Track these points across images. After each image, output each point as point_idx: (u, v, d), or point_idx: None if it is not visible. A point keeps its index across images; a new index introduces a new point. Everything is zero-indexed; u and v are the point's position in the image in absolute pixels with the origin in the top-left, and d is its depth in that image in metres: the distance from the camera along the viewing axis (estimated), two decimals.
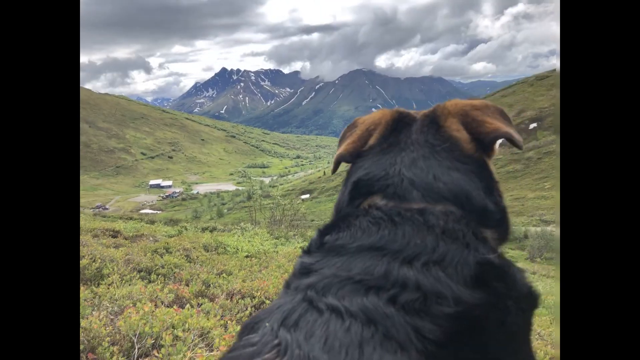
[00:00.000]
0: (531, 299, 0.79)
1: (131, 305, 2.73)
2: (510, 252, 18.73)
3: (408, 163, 0.92)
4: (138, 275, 4.00)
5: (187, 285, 3.76)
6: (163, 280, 3.96)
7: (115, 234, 7.27)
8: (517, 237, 20.79)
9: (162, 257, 4.71)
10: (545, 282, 10.00)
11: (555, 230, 21.32)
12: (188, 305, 2.96)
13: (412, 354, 0.61)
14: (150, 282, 3.88)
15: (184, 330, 2.40)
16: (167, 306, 3.00)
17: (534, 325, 3.94)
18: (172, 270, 4.30)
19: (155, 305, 2.87)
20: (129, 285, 3.49)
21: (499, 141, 0.99)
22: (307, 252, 0.87)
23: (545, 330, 4.34)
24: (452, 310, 0.66)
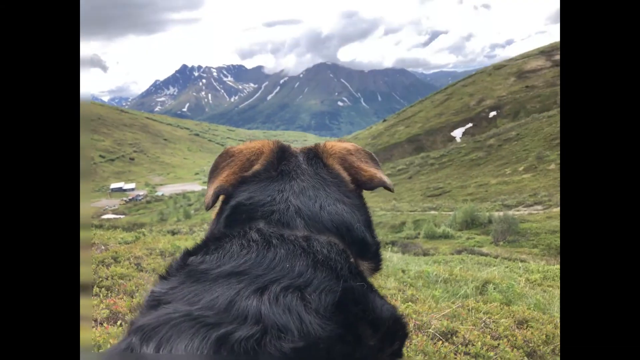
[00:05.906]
0: (394, 325, 0.72)
1: None
2: (476, 237, 19.37)
3: (297, 191, 0.93)
4: None
5: (132, 297, 3.45)
6: (106, 293, 3.60)
7: None
8: (482, 222, 21.47)
9: (107, 268, 4.30)
10: (507, 264, 10.24)
11: (516, 213, 22.15)
12: (120, 322, 2.75)
13: None
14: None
15: None
16: (100, 324, 2.76)
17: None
18: (117, 281, 3.91)
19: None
20: None
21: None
22: (163, 277, 0.74)
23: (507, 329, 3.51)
24: (292, 346, 0.58)
